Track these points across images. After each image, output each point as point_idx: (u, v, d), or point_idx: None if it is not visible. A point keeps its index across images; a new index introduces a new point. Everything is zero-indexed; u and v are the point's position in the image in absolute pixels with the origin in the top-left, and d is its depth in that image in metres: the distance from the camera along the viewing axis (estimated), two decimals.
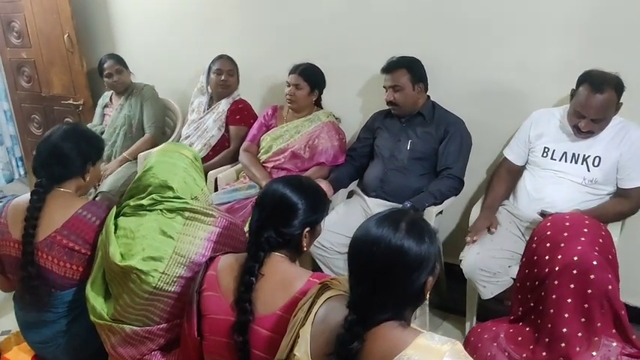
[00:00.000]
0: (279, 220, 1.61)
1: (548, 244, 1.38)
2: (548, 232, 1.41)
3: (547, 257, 1.36)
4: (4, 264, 2.05)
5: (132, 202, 1.92)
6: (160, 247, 1.80)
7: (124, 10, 3.99)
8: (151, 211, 1.88)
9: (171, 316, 1.82)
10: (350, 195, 2.97)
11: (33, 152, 4.41)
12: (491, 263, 2.30)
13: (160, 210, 1.87)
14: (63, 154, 2.00)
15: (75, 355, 2.04)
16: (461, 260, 2.40)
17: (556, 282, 1.32)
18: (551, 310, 1.31)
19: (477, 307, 2.58)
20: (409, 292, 1.25)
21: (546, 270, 1.34)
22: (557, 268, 1.32)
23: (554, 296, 1.31)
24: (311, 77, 2.95)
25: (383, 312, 1.23)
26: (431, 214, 2.56)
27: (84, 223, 1.97)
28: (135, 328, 1.81)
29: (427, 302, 2.64)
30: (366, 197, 2.77)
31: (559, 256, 1.34)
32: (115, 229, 1.89)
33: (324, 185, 2.71)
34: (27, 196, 2.03)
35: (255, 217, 1.64)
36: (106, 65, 3.57)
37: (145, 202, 1.89)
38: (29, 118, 4.52)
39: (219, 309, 1.60)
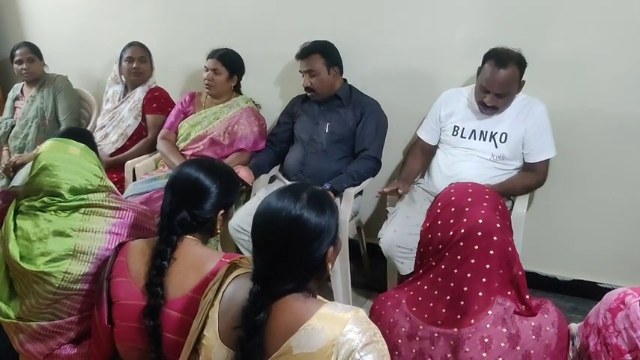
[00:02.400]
0: (192, 203, 1.60)
1: (452, 209, 1.43)
2: (453, 198, 1.46)
3: (452, 221, 1.41)
4: None
5: (26, 202, 1.84)
6: (59, 249, 1.73)
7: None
8: (44, 212, 1.79)
9: (79, 312, 1.78)
10: (272, 180, 2.97)
11: None
12: (408, 240, 2.36)
13: (54, 211, 1.78)
14: None
15: None
16: (379, 238, 2.45)
17: (461, 244, 1.37)
18: (455, 270, 1.37)
19: (397, 283, 2.64)
20: (310, 262, 1.27)
21: (451, 233, 1.39)
22: (462, 231, 1.37)
23: (459, 257, 1.37)
24: (230, 62, 2.93)
25: (286, 283, 1.25)
26: (350, 195, 2.60)
27: None
28: (42, 323, 1.76)
29: (349, 281, 2.69)
30: (287, 182, 2.78)
31: (464, 219, 1.39)
32: (15, 227, 1.81)
33: (244, 172, 2.71)
34: None
35: (168, 200, 1.62)
36: (18, 52, 3.42)
37: (37, 204, 1.80)
38: None
39: (129, 294, 1.57)
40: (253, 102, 3.03)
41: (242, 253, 2.63)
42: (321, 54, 2.70)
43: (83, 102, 3.67)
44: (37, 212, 1.78)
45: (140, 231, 1.84)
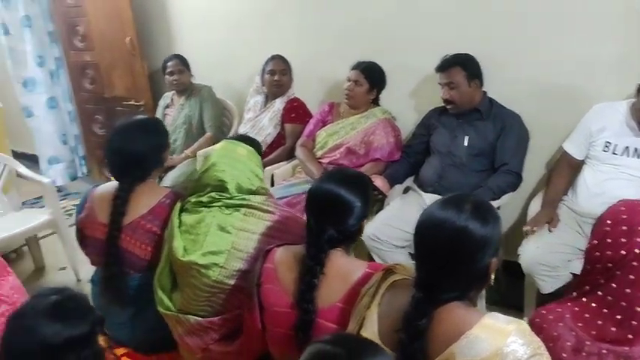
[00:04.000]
0: (338, 219, 1.61)
1: (624, 227, 1.39)
2: (624, 216, 1.42)
3: (623, 239, 1.37)
4: (88, 246, 2.18)
5: (192, 199, 2.00)
6: (219, 242, 1.87)
7: (182, 14, 4.13)
8: (209, 207, 1.95)
9: (232, 307, 1.89)
10: (406, 191, 2.99)
11: (96, 151, 4.68)
12: (551, 257, 2.28)
13: (219, 207, 1.93)
14: (138, 158, 2.08)
15: (146, 338, 2.14)
16: (519, 255, 2.39)
17: (634, 263, 1.34)
18: (627, 290, 1.34)
19: (536, 301, 2.56)
20: (473, 272, 1.29)
21: (622, 252, 1.36)
22: (636, 250, 1.34)
23: (631, 277, 1.34)
24: (372, 75, 3.00)
25: (449, 291, 1.27)
26: None
27: (163, 207, 2.08)
28: (198, 319, 1.89)
29: (484, 296, 2.64)
30: (422, 193, 2.79)
31: (638, 239, 1.35)
32: (180, 224, 1.98)
33: (380, 181, 2.76)
34: (112, 184, 2.14)
35: (313, 220, 1.64)
36: (169, 64, 3.72)
37: (204, 199, 1.96)
38: (92, 119, 4.71)
39: (279, 301, 1.64)
40: (389, 113, 3.07)
41: (374, 261, 2.69)
42: (462, 67, 2.69)
43: (225, 111, 3.91)
44: (203, 208, 1.93)
45: (289, 235, 1.92)
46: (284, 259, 1.68)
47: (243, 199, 1.92)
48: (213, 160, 1.97)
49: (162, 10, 4.20)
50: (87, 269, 3.46)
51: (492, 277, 1.32)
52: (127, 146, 2.07)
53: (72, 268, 3.51)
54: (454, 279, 1.27)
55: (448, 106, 2.78)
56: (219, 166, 1.95)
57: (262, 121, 3.41)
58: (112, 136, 2.14)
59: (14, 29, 4.55)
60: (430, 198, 2.73)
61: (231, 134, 3.74)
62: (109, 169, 2.15)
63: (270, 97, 3.47)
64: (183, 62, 3.75)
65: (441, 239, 1.28)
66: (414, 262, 1.38)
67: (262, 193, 1.98)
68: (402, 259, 2.62)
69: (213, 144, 3.58)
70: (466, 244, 1.26)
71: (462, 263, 1.26)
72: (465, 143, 2.73)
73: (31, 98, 4.74)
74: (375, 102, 3.11)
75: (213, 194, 1.93)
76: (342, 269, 1.60)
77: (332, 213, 1.60)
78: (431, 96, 2.95)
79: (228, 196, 1.92)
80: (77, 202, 4.61)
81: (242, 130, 3.51)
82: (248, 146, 2.03)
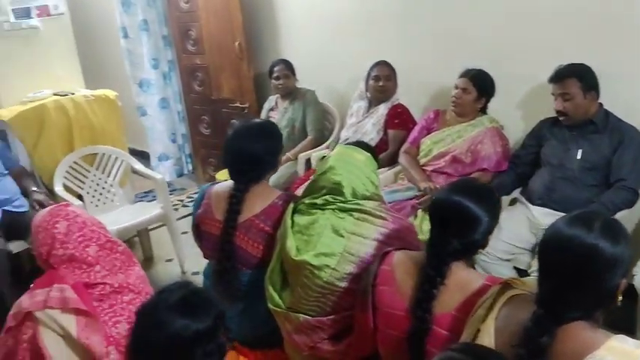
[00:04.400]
0: (463, 232, 1.60)
1: None
2: None
3: None
4: (203, 240, 2.30)
5: (307, 201, 2.07)
6: (331, 245, 1.92)
7: (290, 19, 4.24)
8: (323, 210, 2.01)
9: (340, 308, 1.93)
10: (512, 202, 2.93)
11: (201, 150, 4.90)
12: None
13: (332, 210, 1.98)
14: (255, 159, 2.18)
15: (253, 333, 2.23)
16: (634, 276, 2.29)
17: None
18: None
19: None
20: (601, 292, 1.26)
21: None
22: None
23: None
24: (481, 83, 2.96)
25: (573, 310, 1.25)
26: None
27: (276, 208, 2.16)
28: (307, 317, 1.95)
29: None
30: (530, 205, 2.72)
31: None
32: (292, 225, 2.04)
33: None
34: (227, 183, 2.26)
35: (436, 230, 1.63)
36: (276, 68, 3.84)
37: (318, 201, 2.02)
38: (199, 119, 4.93)
39: (394, 304, 1.67)
40: (497, 122, 3.01)
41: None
42: (578, 78, 2.59)
43: (327, 115, 3.98)
44: (317, 210, 1.99)
45: (403, 243, 1.93)
46: (403, 263, 1.71)
47: (357, 203, 1.96)
48: (331, 164, 2.03)
49: (270, 15, 4.33)
50: (191, 262, 3.66)
51: (619, 298, 1.29)
52: (246, 148, 2.17)
53: (178, 260, 3.71)
54: (580, 298, 1.25)
55: (561, 118, 2.69)
56: (336, 169, 2.00)
57: (365, 126, 3.44)
58: (231, 138, 2.24)
59: (133, 33, 4.87)
60: (538, 211, 2.67)
61: (332, 138, 3.81)
62: (227, 168, 2.26)
63: (373, 103, 3.49)
64: (288, 67, 3.86)
65: (568, 257, 1.26)
66: (521, 276, 1.37)
67: (376, 199, 2.02)
68: (507, 272, 2.57)
69: (314, 147, 3.70)
70: (595, 263, 1.23)
71: (589, 282, 1.24)
72: (578, 156, 2.63)
73: (145, 98, 5.05)
74: (483, 110, 3.06)
75: (327, 197, 1.99)
76: (461, 280, 1.60)
77: (458, 226, 1.59)
78: (541, 106, 2.87)
79: (343, 199, 1.97)
80: (182, 197, 4.89)
81: (344, 135, 3.56)
82: (366, 152, 2.07)
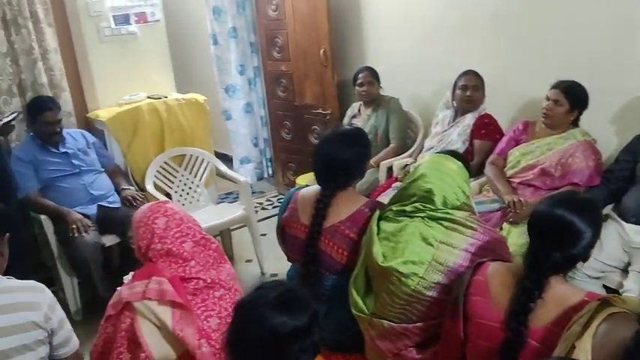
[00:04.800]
0: (566, 246, 1.58)
1: None
2: None
3: None
4: (288, 243, 2.35)
5: (395, 208, 2.07)
6: (420, 253, 1.91)
7: (376, 27, 4.26)
8: (412, 217, 2.00)
9: (426, 317, 1.92)
10: (604, 219, 2.81)
11: (281, 155, 5.00)
12: None
13: (421, 217, 1.98)
14: (344, 166, 2.21)
15: (334, 337, 2.25)
16: None
17: None
18: None
19: None
20: None
21: None
22: None
23: None
24: (573, 95, 2.86)
25: None
26: None
27: (362, 215, 2.17)
28: (392, 324, 1.94)
29: None
30: (623, 223, 2.60)
31: None
32: (378, 232, 2.05)
33: None
34: (314, 188, 2.30)
35: (537, 243, 1.62)
36: (360, 75, 3.86)
37: (407, 208, 2.02)
38: (281, 124, 5.03)
39: (487, 314, 1.65)
40: (590, 135, 2.91)
41: None
42: None
43: (411, 123, 3.97)
44: (405, 217, 1.99)
45: (493, 255, 1.90)
46: (500, 274, 1.69)
47: (447, 212, 1.95)
48: (423, 172, 2.02)
49: (356, 23, 4.37)
50: (270, 264, 3.74)
51: None
52: (335, 154, 2.20)
53: (257, 261, 3.79)
54: None
55: None
56: (428, 177, 2.00)
57: (451, 135, 3.40)
58: (321, 144, 2.28)
59: (222, 39, 5.04)
60: (632, 229, 2.56)
61: (415, 147, 3.79)
62: (315, 174, 2.29)
63: (460, 112, 3.45)
64: (373, 74, 3.87)
65: None
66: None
67: (466, 209, 2.00)
68: (596, 290, 2.47)
69: (396, 155, 3.69)
70: None
71: None
72: None
73: (230, 103, 5.22)
74: (575, 123, 2.95)
75: (417, 205, 1.98)
76: (560, 294, 1.58)
77: (560, 240, 1.58)
78: (636, 121, 2.77)
79: (433, 208, 1.96)
80: (261, 200, 4.99)
81: (428, 144, 3.53)
82: (458, 161, 2.06)
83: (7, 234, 1.84)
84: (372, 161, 3.71)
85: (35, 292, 1.74)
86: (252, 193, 5.18)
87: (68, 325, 1.82)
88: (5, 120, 2.90)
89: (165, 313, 1.76)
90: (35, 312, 1.68)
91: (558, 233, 1.58)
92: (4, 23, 3.39)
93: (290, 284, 1.50)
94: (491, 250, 1.93)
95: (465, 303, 1.70)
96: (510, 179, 2.99)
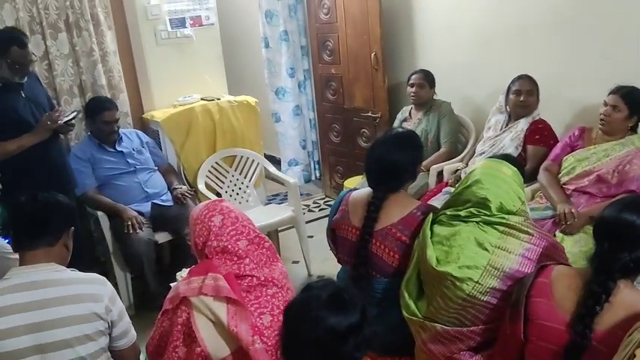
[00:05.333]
0: (634, 248, 1.58)
1: None
2: None
3: None
4: (338, 245, 2.36)
5: (449, 212, 2.06)
6: (475, 258, 1.89)
7: (428, 31, 4.24)
8: (466, 222, 1.99)
9: (480, 322, 1.90)
10: None
11: (329, 157, 5.02)
12: None
13: (476, 222, 1.96)
14: (396, 168, 2.21)
15: (383, 340, 2.23)
16: None
17: None
18: None
19: None
20: None
21: None
22: None
23: None
24: (632, 101, 2.78)
25: None
26: None
27: (414, 218, 2.17)
28: (446, 327, 1.93)
29: None
30: None
31: None
32: (432, 235, 2.04)
33: None
34: (365, 190, 2.31)
35: (606, 246, 1.61)
36: (413, 76, 3.85)
37: (462, 213, 2.01)
38: (330, 127, 5.05)
39: (549, 316, 1.64)
40: None
41: None
42: None
43: (462, 127, 3.93)
44: (460, 222, 1.98)
45: (549, 260, 1.87)
46: (566, 277, 1.69)
47: (502, 217, 1.93)
48: (478, 177, 2.01)
49: (408, 26, 4.35)
50: (316, 265, 3.77)
51: None
52: (388, 157, 2.21)
53: (305, 263, 3.82)
54: None
55: None
56: (483, 183, 1.98)
57: (503, 140, 3.35)
58: (374, 146, 2.29)
59: (273, 43, 5.11)
60: None
61: (466, 151, 3.75)
62: (367, 176, 2.30)
63: (513, 117, 3.39)
64: (426, 77, 3.84)
65: None
66: None
67: (521, 214, 1.97)
68: None
69: (447, 160, 3.66)
70: None
71: None
72: None
73: (280, 105, 5.29)
74: (634, 130, 2.88)
75: (472, 210, 1.97)
76: (628, 299, 1.56)
77: (630, 243, 1.58)
78: None
79: (488, 213, 1.94)
80: (308, 202, 5.03)
81: (480, 149, 3.49)
82: (513, 167, 2.03)
83: (72, 228, 1.92)
84: (422, 165, 3.69)
85: (97, 284, 1.81)
86: (300, 195, 5.24)
87: (127, 318, 1.88)
88: (65, 119, 3.01)
89: (221, 309, 1.79)
90: (97, 303, 1.75)
91: (627, 236, 1.58)
92: (67, 26, 3.53)
93: (338, 283, 1.52)
94: (548, 255, 1.90)
95: (527, 305, 1.70)
96: (565, 186, 2.93)
